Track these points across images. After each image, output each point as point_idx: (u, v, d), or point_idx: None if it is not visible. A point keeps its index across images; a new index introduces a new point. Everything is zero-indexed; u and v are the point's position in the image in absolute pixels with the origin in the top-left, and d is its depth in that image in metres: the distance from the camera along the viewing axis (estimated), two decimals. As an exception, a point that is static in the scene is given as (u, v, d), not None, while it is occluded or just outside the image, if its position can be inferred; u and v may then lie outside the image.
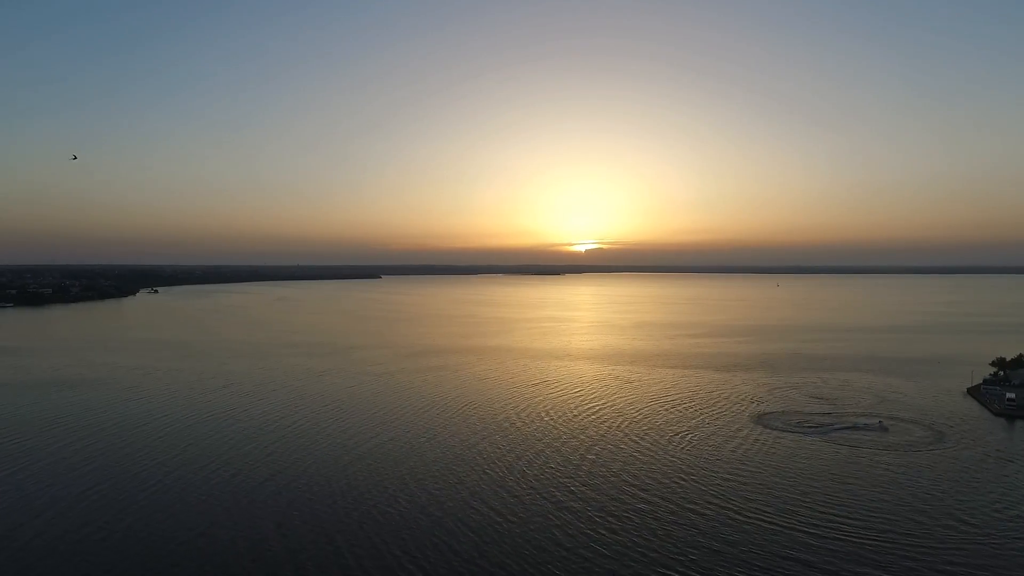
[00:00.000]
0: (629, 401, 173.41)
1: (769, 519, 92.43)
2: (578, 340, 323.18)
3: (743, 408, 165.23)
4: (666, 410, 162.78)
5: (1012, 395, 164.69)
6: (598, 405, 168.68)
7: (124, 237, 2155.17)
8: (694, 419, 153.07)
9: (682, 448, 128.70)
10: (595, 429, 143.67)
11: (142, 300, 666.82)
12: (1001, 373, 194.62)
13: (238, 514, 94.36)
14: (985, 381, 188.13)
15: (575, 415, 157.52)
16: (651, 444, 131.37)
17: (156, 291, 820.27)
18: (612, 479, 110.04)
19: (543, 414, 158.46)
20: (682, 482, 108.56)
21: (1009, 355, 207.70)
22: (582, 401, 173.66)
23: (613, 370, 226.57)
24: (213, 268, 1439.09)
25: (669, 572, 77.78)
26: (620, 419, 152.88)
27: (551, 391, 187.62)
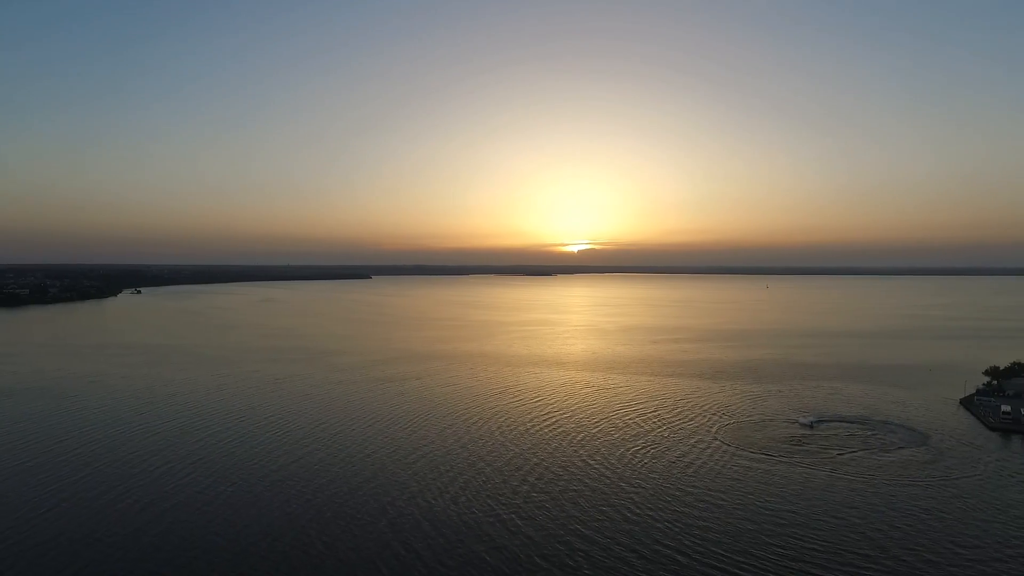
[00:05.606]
0: (598, 413, 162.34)
1: (731, 558, 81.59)
2: (559, 345, 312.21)
3: (720, 421, 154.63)
4: (636, 424, 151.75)
5: (1007, 407, 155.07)
6: (560, 418, 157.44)
7: (117, 237, 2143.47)
8: (665, 435, 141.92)
9: (646, 467, 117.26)
10: (549, 445, 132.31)
11: (123, 301, 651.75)
12: (995, 383, 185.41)
13: (155, 535, 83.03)
14: (978, 391, 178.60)
15: (533, 430, 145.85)
16: (614, 464, 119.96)
17: (139, 292, 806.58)
18: (558, 505, 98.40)
19: (498, 429, 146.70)
20: (639, 512, 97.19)
21: (1002, 363, 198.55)
22: (545, 414, 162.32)
23: (587, 377, 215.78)
24: (202, 268, 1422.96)
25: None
26: (579, 435, 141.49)
27: (515, 402, 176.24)
